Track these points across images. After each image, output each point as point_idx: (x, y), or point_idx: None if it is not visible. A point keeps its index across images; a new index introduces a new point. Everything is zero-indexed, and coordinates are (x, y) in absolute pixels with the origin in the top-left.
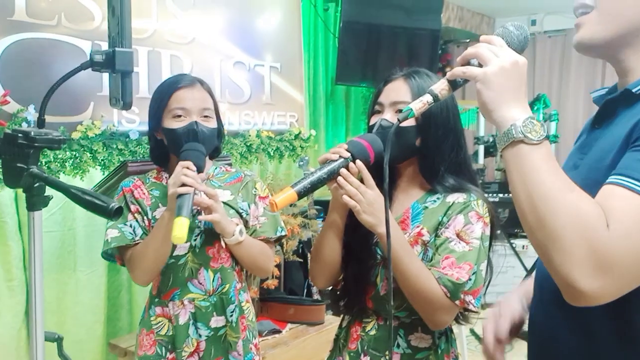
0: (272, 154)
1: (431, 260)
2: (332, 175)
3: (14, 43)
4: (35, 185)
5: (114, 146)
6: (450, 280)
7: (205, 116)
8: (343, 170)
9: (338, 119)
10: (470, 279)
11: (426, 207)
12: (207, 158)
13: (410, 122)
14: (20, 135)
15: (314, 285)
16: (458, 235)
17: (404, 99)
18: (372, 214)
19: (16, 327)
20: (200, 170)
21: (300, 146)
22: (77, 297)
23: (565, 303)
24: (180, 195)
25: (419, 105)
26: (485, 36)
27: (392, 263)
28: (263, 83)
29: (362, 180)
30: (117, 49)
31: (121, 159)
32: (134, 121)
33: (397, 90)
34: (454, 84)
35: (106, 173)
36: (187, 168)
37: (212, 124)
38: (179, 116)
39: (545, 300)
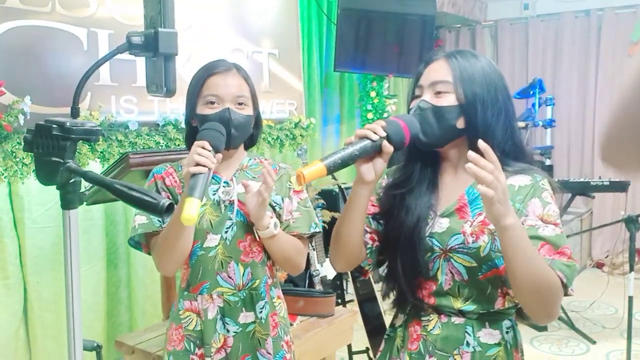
0: (272, 142)
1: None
2: (365, 154)
3: (7, 31)
4: (71, 181)
5: (113, 137)
6: (565, 263)
7: (240, 103)
8: (472, 154)
9: (333, 106)
10: (574, 259)
11: None
12: (242, 148)
13: (451, 101)
14: (55, 126)
15: (335, 269)
16: (542, 220)
17: (443, 78)
18: (504, 202)
19: (14, 327)
20: (217, 150)
21: (300, 134)
22: None
23: None
24: (193, 176)
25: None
26: None
27: (512, 255)
28: (262, 70)
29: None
30: (160, 29)
31: (121, 151)
32: (133, 111)
33: (437, 70)
34: None
35: (106, 165)
36: (203, 148)
37: (247, 111)
38: (212, 103)
39: None
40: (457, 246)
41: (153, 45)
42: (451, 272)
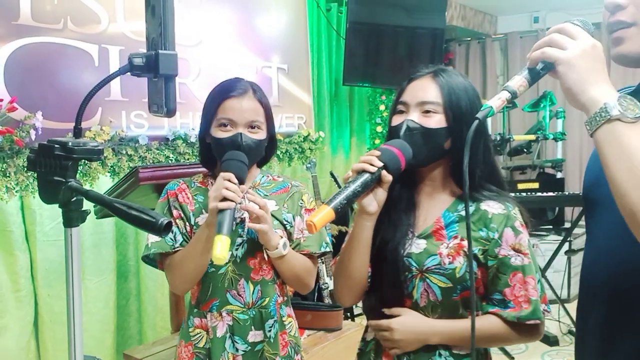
0: (281, 156)
1: (497, 281)
2: (366, 188)
3: (19, 48)
4: (73, 199)
5: (124, 152)
6: (526, 312)
7: (253, 127)
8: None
9: (342, 120)
10: (537, 290)
11: (460, 216)
12: (255, 166)
13: (440, 123)
14: (57, 146)
15: (343, 304)
16: (514, 249)
17: (432, 99)
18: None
19: (25, 339)
20: (241, 182)
21: (309, 148)
22: (85, 307)
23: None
24: (221, 211)
25: (498, 103)
26: (556, 26)
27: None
28: (271, 85)
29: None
30: (160, 51)
31: (131, 165)
32: (143, 126)
33: (424, 89)
34: (533, 75)
35: (116, 179)
36: (229, 181)
37: (260, 135)
38: (225, 126)
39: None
40: (433, 267)
41: (154, 66)
42: (426, 291)
